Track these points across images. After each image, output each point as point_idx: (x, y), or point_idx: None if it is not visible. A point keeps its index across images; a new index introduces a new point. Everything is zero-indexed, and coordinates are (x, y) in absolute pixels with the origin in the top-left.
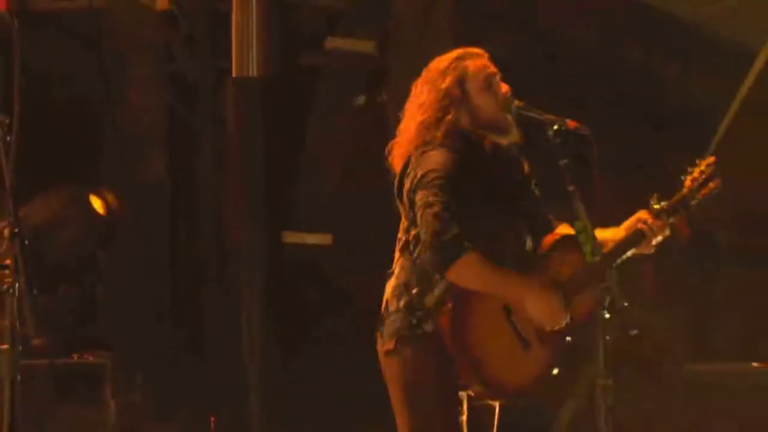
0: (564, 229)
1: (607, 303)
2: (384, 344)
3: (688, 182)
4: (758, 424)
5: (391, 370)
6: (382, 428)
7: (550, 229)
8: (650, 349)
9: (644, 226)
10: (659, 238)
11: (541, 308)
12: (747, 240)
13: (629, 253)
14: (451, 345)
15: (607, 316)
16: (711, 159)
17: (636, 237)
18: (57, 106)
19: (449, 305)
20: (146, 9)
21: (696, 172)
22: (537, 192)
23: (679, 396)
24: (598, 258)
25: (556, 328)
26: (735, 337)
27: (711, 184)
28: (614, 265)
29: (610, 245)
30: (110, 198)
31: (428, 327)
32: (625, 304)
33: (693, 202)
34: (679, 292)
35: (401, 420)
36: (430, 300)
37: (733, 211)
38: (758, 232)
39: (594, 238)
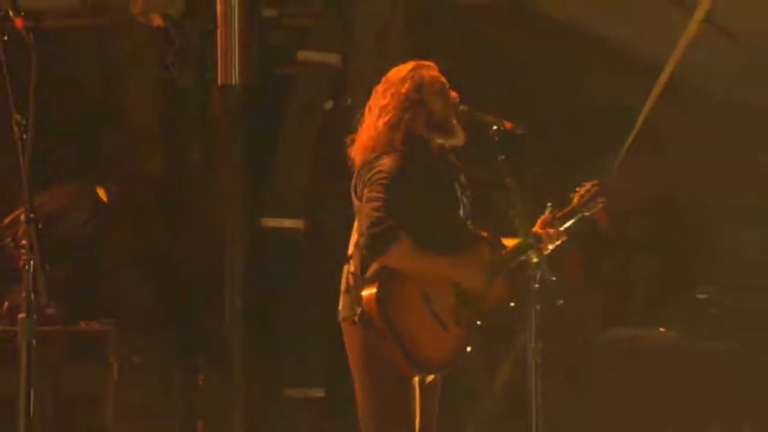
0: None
1: (537, 278)
2: (342, 322)
3: (576, 199)
4: (665, 380)
5: (348, 345)
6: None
7: (470, 232)
8: (574, 318)
9: (543, 232)
10: (557, 242)
11: (474, 276)
12: (656, 226)
13: (529, 253)
14: (382, 325)
15: (537, 287)
16: (595, 182)
17: (536, 240)
18: (65, 109)
19: (374, 290)
20: (143, 26)
21: (582, 191)
22: (464, 198)
23: (599, 358)
24: (530, 240)
25: (487, 299)
26: (645, 306)
27: (594, 203)
28: (516, 262)
29: (515, 246)
30: (112, 189)
31: (359, 310)
32: (553, 278)
33: (579, 215)
34: (600, 269)
35: (360, 401)
36: (361, 284)
37: (645, 201)
38: (665, 219)
39: (527, 222)
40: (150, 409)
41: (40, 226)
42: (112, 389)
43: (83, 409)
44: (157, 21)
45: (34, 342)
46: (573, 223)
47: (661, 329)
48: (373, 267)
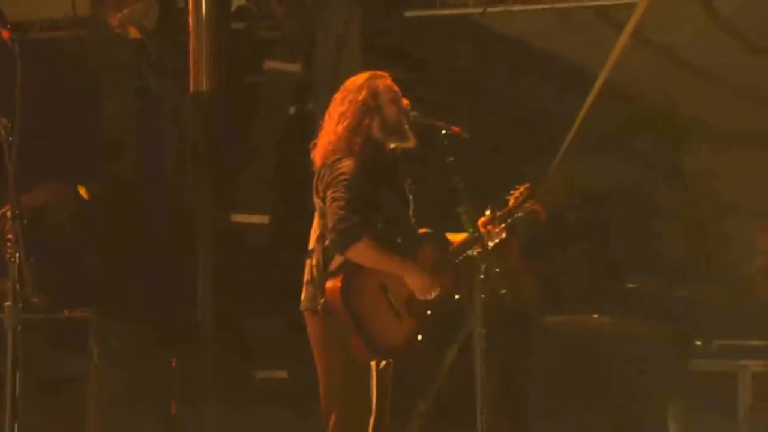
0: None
1: (482, 270)
2: (304, 312)
3: (512, 201)
4: (599, 362)
5: (310, 333)
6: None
7: (416, 229)
8: (516, 305)
9: (484, 230)
10: (496, 240)
11: (417, 283)
12: (590, 219)
13: (472, 250)
14: (343, 315)
15: (482, 278)
16: (527, 185)
17: (479, 237)
18: (49, 114)
19: (338, 282)
20: (121, 37)
21: (517, 194)
22: (410, 196)
23: (539, 342)
24: (476, 234)
25: (428, 297)
26: (580, 294)
27: (528, 204)
28: (462, 256)
29: (460, 242)
30: (93, 188)
31: (322, 301)
32: (496, 270)
33: (516, 215)
34: (538, 259)
35: (322, 385)
36: (325, 276)
37: (578, 195)
38: (598, 214)
39: (473, 219)
40: (127, 390)
41: (25, 221)
42: (92, 372)
43: (65, 390)
44: (134, 33)
45: (19, 328)
46: (509, 222)
47: (595, 315)
48: (337, 260)
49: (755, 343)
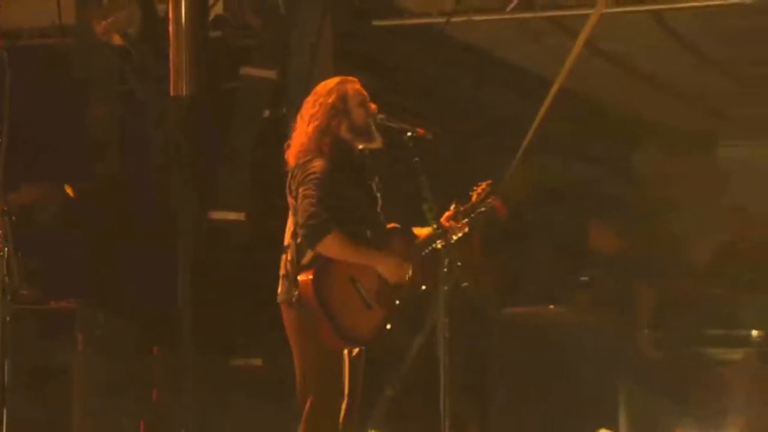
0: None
1: (445, 263)
2: (281, 304)
3: (474, 196)
4: (554, 351)
5: (287, 324)
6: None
7: (384, 224)
8: (477, 297)
9: (448, 224)
10: (459, 234)
11: (389, 268)
12: (545, 215)
13: (439, 242)
14: (315, 306)
15: (445, 271)
16: (489, 181)
17: (443, 231)
18: (36, 115)
19: (310, 275)
20: (106, 44)
21: (479, 190)
22: (378, 194)
23: (499, 332)
24: (439, 230)
25: (402, 280)
26: (538, 287)
27: (490, 201)
28: (427, 249)
29: (426, 236)
30: (79, 186)
31: (296, 293)
32: (458, 263)
33: (478, 210)
34: (498, 254)
35: (298, 373)
36: (299, 270)
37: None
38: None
39: (437, 215)
40: (111, 378)
41: (13, 218)
42: (78, 360)
43: (52, 377)
44: (117, 40)
45: (8, 319)
46: (472, 217)
47: (551, 306)
48: (309, 255)
49: (705, 332)
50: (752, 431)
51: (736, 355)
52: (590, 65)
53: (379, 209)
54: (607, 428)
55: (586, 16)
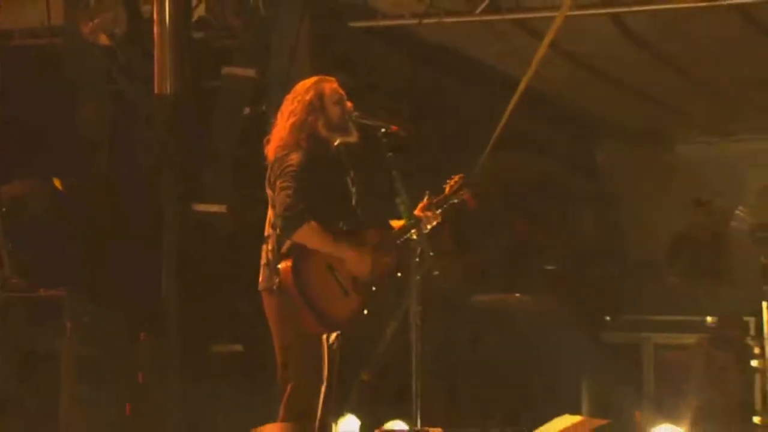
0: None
1: (418, 253)
2: (262, 292)
3: (447, 189)
4: (520, 336)
5: (268, 310)
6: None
7: (359, 216)
8: (448, 285)
9: (421, 215)
10: (433, 223)
11: (355, 264)
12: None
13: (412, 232)
14: (295, 293)
15: (418, 261)
16: (461, 175)
17: (416, 222)
18: (26, 112)
19: (289, 263)
20: (93, 45)
21: (452, 182)
22: (354, 189)
23: (468, 319)
24: (412, 221)
25: (365, 276)
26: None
27: (461, 193)
28: (402, 239)
29: (401, 226)
30: (68, 181)
31: (277, 281)
32: (430, 253)
33: (450, 201)
34: (467, 244)
35: (279, 358)
36: (279, 259)
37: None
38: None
39: (410, 207)
40: (98, 363)
41: (3, 210)
42: (66, 346)
43: (41, 362)
44: (104, 40)
45: None
46: (445, 208)
47: (517, 294)
48: (287, 244)
49: (657, 318)
50: (705, 413)
51: (690, 340)
52: (554, 65)
53: (354, 202)
54: (570, 412)
55: (550, 18)
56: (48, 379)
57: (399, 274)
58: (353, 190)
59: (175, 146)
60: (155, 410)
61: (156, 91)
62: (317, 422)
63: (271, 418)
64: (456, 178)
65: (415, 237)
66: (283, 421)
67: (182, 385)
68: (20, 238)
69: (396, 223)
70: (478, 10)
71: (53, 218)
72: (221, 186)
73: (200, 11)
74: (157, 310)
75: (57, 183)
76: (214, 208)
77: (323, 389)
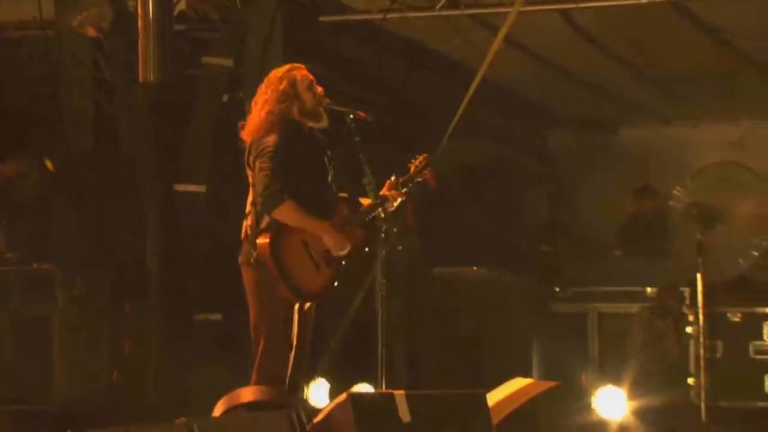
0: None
1: (383, 229)
2: (240, 266)
3: (412, 168)
4: (476, 306)
5: (246, 281)
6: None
7: (335, 194)
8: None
9: (388, 193)
10: (398, 201)
11: (331, 240)
12: (471, 188)
13: (379, 210)
14: (272, 266)
15: (383, 237)
16: (425, 155)
17: (383, 200)
18: (19, 99)
19: (267, 238)
20: (81, 35)
21: (417, 162)
22: (331, 167)
23: (428, 290)
24: (378, 200)
25: (341, 253)
26: (462, 249)
27: (425, 172)
28: (369, 217)
29: (368, 205)
30: (57, 161)
31: (255, 254)
32: (395, 230)
33: (415, 180)
34: (429, 220)
35: (253, 325)
36: (257, 234)
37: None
38: (478, 184)
39: (375, 187)
40: (87, 332)
41: None
42: (57, 316)
43: (34, 330)
44: (92, 32)
45: None
46: (410, 187)
47: (474, 267)
48: (266, 220)
49: (602, 289)
50: (645, 376)
51: (632, 309)
52: (508, 57)
53: (330, 180)
54: (521, 375)
55: (505, 14)
56: (40, 345)
57: (366, 249)
58: (330, 166)
59: (156, 130)
60: (140, 375)
61: (140, 79)
62: (287, 384)
63: (246, 382)
64: (420, 157)
65: (381, 215)
66: (255, 384)
67: (164, 351)
68: (14, 215)
69: (367, 201)
70: (439, 6)
71: (44, 196)
72: (200, 167)
73: (181, 6)
74: (141, 282)
75: (48, 164)
76: (193, 187)
77: (291, 355)
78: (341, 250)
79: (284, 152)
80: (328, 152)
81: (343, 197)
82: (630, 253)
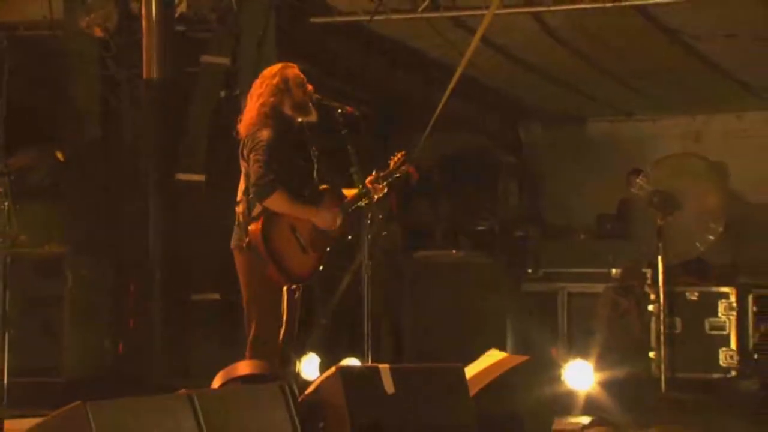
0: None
1: (369, 217)
2: (234, 250)
3: (391, 165)
4: (456, 285)
5: (238, 265)
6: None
7: (318, 186)
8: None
9: (371, 186)
10: (379, 194)
11: (322, 219)
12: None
13: (364, 200)
14: (262, 250)
15: (369, 223)
16: (403, 152)
17: (366, 191)
18: (31, 94)
19: (259, 225)
20: (89, 35)
21: (397, 158)
22: (315, 161)
23: (410, 272)
24: (363, 190)
25: (333, 228)
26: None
27: (403, 167)
28: (354, 205)
29: (353, 195)
30: (67, 151)
31: (247, 240)
32: (380, 216)
33: (395, 175)
34: (411, 208)
35: (246, 305)
36: (249, 221)
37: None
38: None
39: (363, 177)
40: (94, 310)
41: (12, 177)
42: (67, 295)
43: (45, 309)
44: (99, 32)
45: (9, 260)
46: (390, 181)
47: (453, 251)
48: (258, 208)
49: (570, 270)
50: (610, 350)
51: (598, 289)
52: (485, 56)
53: (315, 173)
54: (497, 348)
55: (481, 15)
56: (51, 321)
57: (350, 237)
58: (315, 161)
59: (158, 123)
60: (143, 349)
61: (144, 76)
62: (278, 359)
63: (241, 357)
64: (398, 155)
65: (365, 204)
66: (250, 358)
67: (165, 328)
68: (26, 201)
69: (349, 192)
70: (421, 9)
71: (55, 184)
72: (199, 158)
73: (182, 8)
74: (144, 264)
75: (58, 154)
76: (194, 177)
77: (282, 332)
78: (332, 226)
79: (276, 146)
80: (314, 148)
81: (327, 189)
82: (596, 236)
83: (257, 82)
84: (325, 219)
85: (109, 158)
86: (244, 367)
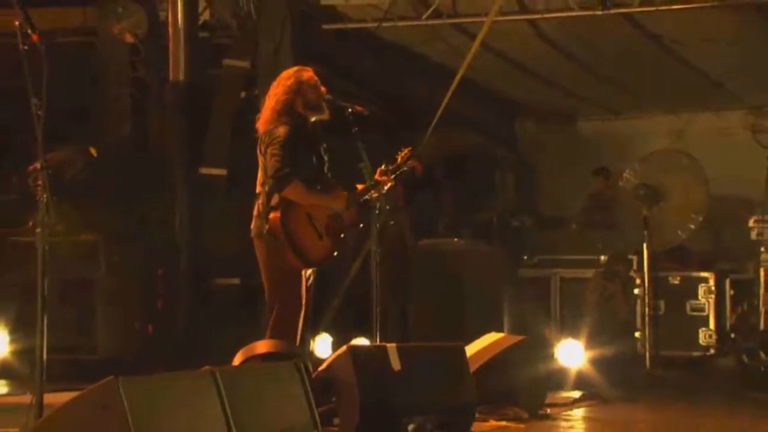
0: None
1: (377, 207)
2: (254, 238)
3: (399, 159)
4: (458, 272)
5: (258, 252)
6: (254, 279)
7: (329, 179)
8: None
9: (380, 179)
10: (388, 185)
11: (339, 203)
12: (452, 172)
13: (372, 192)
14: (282, 237)
15: (377, 213)
16: (410, 147)
17: (375, 184)
18: (68, 96)
19: (278, 214)
20: (120, 41)
21: (402, 154)
22: (325, 156)
23: (416, 258)
24: (372, 183)
25: (352, 209)
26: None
27: (410, 162)
28: (364, 197)
29: (364, 187)
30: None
31: (267, 228)
32: (387, 207)
33: (402, 169)
34: (416, 199)
35: (267, 289)
36: (269, 210)
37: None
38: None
39: (372, 171)
40: (125, 294)
41: (50, 172)
42: (100, 279)
43: (80, 292)
44: (129, 38)
45: (47, 248)
46: (397, 174)
47: (455, 239)
48: (276, 198)
49: (563, 257)
50: (599, 330)
51: (588, 274)
52: (484, 59)
53: (326, 169)
54: (494, 331)
55: (481, 22)
56: (86, 304)
57: (361, 225)
58: (325, 157)
59: (183, 122)
60: (170, 330)
61: (170, 78)
62: (298, 339)
63: (260, 336)
64: (405, 150)
65: (374, 196)
66: (270, 338)
67: (191, 309)
68: (63, 194)
69: (358, 186)
70: (425, 16)
71: (89, 178)
72: (221, 153)
73: (205, 16)
74: (171, 251)
75: (92, 150)
76: (216, 171)
77: (302, 314)
78: (348, 206)
79: (291, 142)
80: (324, 145)
81: (338, 183)
82: (585, 226)
83: (274, 83)
84: (342, 200)
85: (138, 154)
86: (263, 346)
